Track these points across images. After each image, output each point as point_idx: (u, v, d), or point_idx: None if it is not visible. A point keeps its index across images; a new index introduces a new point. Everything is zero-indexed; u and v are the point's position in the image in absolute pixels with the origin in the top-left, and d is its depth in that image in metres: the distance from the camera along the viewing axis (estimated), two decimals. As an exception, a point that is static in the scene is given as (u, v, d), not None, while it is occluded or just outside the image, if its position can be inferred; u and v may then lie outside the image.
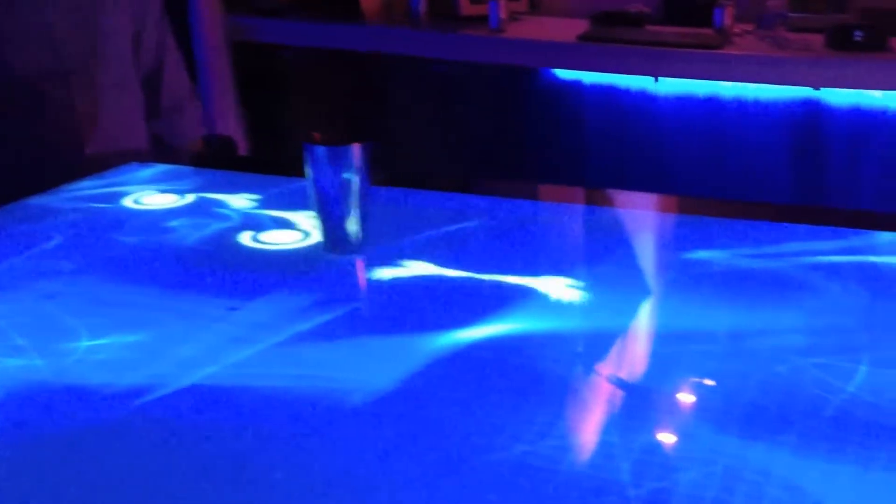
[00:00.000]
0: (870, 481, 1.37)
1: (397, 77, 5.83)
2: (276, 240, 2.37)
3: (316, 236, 2.30)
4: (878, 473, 1.39)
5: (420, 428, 1.54)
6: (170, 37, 3.30)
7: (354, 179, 2.17)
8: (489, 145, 5.72)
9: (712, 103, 4.79)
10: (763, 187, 4.62)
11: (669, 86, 5.00)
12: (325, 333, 1.89)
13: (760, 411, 1.54)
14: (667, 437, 1.49)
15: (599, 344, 1.75)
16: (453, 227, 2.33)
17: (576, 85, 5.37)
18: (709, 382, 1.61)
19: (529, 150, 5.48)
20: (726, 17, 4.77)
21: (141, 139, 3.21)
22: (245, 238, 2.36)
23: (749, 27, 4.86)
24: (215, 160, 3.37)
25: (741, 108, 4.68)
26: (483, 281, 2.06)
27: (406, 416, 1.59)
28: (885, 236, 2.07)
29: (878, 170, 4.33)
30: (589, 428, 1.52)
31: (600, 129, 5.32)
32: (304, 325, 1.91)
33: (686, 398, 1.59)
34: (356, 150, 2.16)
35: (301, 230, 2.38)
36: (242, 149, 3.96)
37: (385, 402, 1.63)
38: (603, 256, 2.05)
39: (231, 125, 4.10)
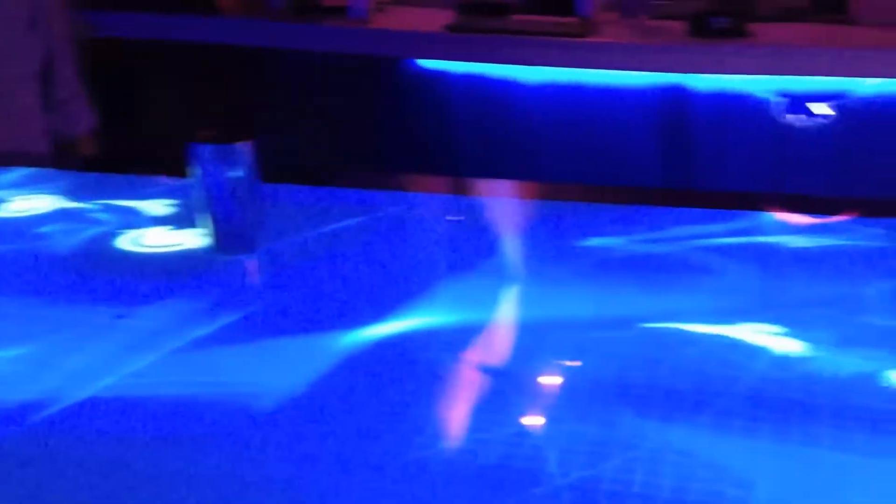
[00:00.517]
0: (788, 455, 1.41)
1: (260, 71, 5.71)
2: (159, 242, 2.28)
3: (203, 237, 2.21)
4: (794, 447, 1.43)
5: (337, 429, 1.51)
6: (64, 28, 3.26)
7: (243, 177, 2.10)
8: (356, 138, 5.67)
9: (579, 91, 4.86)
10: (631, 173, 4.72)
11: (536, 74, 5.05)
12: (225, 337, 1.83)
13: (677, 394, 1.56)
14: (589, 425, 1.49)
15: (506, 336, 1.74)
16: (344, 223, 2.29)
17: (442, 75, 5.37)
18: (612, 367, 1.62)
19: (397, 141, 5.46)
20: (591, 5, 4.85)
21: (37, 133, 3.12)
22: (124, 242, 2.26)
23: (613, 16, 4.95)
24: (82, 162, 3.24)
25: (607, 95, 4.77)
26: (382, 277, 2.03)
27: (320, 418, 1.55)
28: (769, 217, 2.13)
29: (742, 152, 4.48)
30: (509, 420, 1.51)
31: (468, 119, 5.34)
32: (203, 330, 1.84)
33: (602, 385, 1.60)
34: (245, 147, 2.09)
35: (185, 231, 2.30)
36: (94, 148, 3.80)
37: (297, 406, 1.59)
38: (499, 248, 2.04)
39: (82, 125, 3.91)
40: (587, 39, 4.74)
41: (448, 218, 2.37)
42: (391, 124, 5.68)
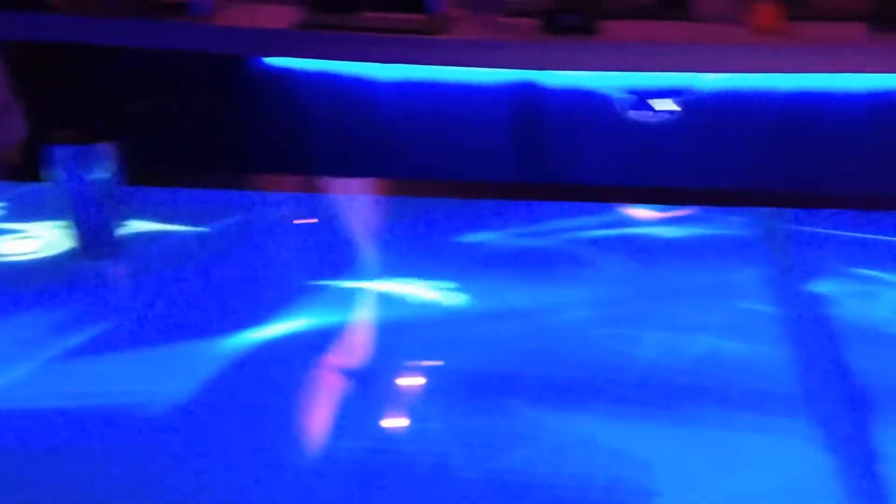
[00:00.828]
0: (681, 437, 1.46)
1: (102, 69, 5.50)
2: (15, 251, 2.17)
3: (64, 243, 2.12)
4: (687, 429, 1.48)
5: (234, 432, 1.48)
6: None
7: (105, 180, 2.03)
8: (211, 138, 5.53)
9: (432, 88, 4.88)
10: (487, 168, 4.76)
11: (389, 72, 5.04)
12: (100, 346, 1.76)
13: (571, 383, 1.59)
14: (491, 419, 1.50)
15: (396, 333, 1.74)
16: (210, 226, 2.24)
17: (293, 73, 5.29)
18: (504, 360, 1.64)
19: (254, 141, 5.35)
20: (442, 2, 4.87)
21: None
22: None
23: (465, 12, 4.98)
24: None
25: (460, 92, 4.80)
26: (258, 279, 1.99)
27: (214, 422, 1.52)
28: (638, 208, 2.20)
29: (593, 147, 4.58)
30: (411, 416, 1.51)
31: (322, 118, 5.28)
32: (75, 340, 1.77)
33: (497, 378, 1.62)
34: (106, 149, 2.01)
35: (44, 238, 2.19)
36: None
37: (187, 411, 1.55)
38: (378, 247, 2.04)
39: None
40: (439, 36, 4.75)
41: (296, 222, 2.34)
42: (247, 124, 5.56)
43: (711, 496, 1.35)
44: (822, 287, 1.92)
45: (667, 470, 1.37)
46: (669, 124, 4.21)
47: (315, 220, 2.36)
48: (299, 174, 3.15)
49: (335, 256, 2.08)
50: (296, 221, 2.37)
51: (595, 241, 2.13)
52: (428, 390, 1.56)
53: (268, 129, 5.37)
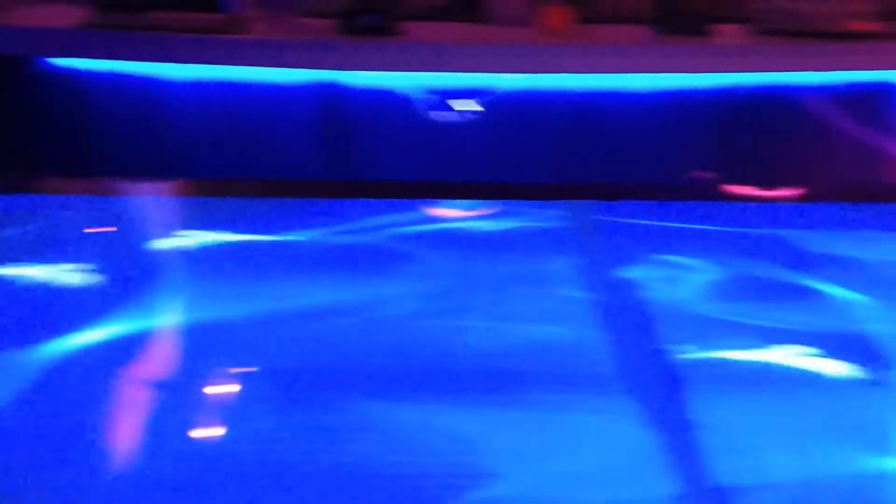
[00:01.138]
0: (515, 421, 1.53)
1: None
2: None
3: None
4: (517, 412, 1.55)
5: (58, 443, 1.42)
6: None
7: None
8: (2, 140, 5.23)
9: (231, 88, 4.80)
10: (288, 168, 4.73)
11: (184, 72, 4.93)
12: None
13: (403, 375, 1.63)
14: (325, 415, 1.52)
15: (218, 337, 1.73)
16: (10, 231, 2.14)
17: (81, 74, 5.09)
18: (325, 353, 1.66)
19: (46, 143, 5.10)
20: (237, 2, 4.80)
21: None
22: None
23: (261, 12, 4.92)
24: None
25: (261, 92, 4.75)
26: (51, 289, 1.92)
27: (33, 433, 1.46)
28: (456, 204, 2.26)
29: (398, 146, 4.63)
30: (241, 419, 1.50)
31: (111, 118, 5.10)
32: None
33: (327, 374, 1.63)
34: None
35: None
36: None
37: (3, 420, 1.48)
38: (183, 251, 2.01)
39: None
40: (235, 36, 4.68)
41: (89, 231, 2.27)
42: (23, 127, 5.30)
43: (544, 475, 1.41)
44: (629, 273, 2.04)
45: (500, 452, 1.43)
46: (472, 123, 4.32)
47: (113, 228, 2.29)
48: (90, 177, 3.04)
49: (136, 261, 2.03)
50: (88, 230, 2.28)
51: (415, 237, 2.18)
52: (256, 392, 1.56)
53: (54, 131, 5.13)
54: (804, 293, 2.01)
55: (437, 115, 4.44)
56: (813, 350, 1.76)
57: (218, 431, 1.36)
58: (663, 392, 1.64)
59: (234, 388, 1.52)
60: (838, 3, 3.74)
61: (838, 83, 3.85)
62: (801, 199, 2.79)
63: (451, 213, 2.26)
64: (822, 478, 1.44)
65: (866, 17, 3.74)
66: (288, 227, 2.13)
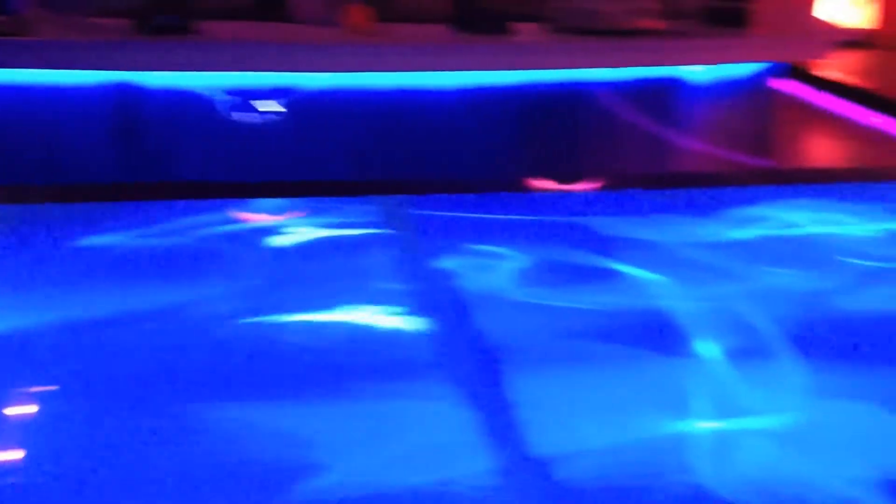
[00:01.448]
0: (337, 411, 1.53)
1: None
2: None
3: None
4: (342, 403, 1.56)
5: None
6: None
7: None
8: None
9: (17, 92, 4.57)
10: (82, 172, 4.54)
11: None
12: None
13: (222, 375, 1.60)
14: (145, 420, 1.48)
15: (17, 345, 1.65)
16: None
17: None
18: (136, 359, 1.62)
19: None
20: (23, 2, 4.56)
21: None
22: None
23: (47, 13, 4.70)
24: None
25: (51, 95, 4.54)
26: None
27: None
28: (266, 203, 2.25)
29: (198, 147, 4.52)
30: (53, 436, 1.44)
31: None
32: None
33: (140, 380, 1.59)
34: None
35: None
36: None
37: None
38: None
39: None
40: (21, 38, 4.47)
41: None
42: None
43: (372, 462, 1.42)
44: (445, 263, 2.08)
45: (328, 444, 1.44)
46: (275, 123, 4.28)
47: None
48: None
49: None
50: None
51: (225, 237, 2.15)
52: (65, 403, 1.49)
53: None
54: (607, 275, 2.11)
55: (239, 116, 4.38)
56: (617, 326, 1.86)
57: (25, 449, 1.30)
58: (481, 375, 1.68)
59: (33, 406, 1.46)
60: (629, 2, 3.93)
61: (629, 79, 4.05)
62: (599, 188, 2.92)
63: (260, 214, 2.24)
64: (628, 443, 1.52)
65: (654, 16, 3.95)
66: (86, 233, 2.05)
